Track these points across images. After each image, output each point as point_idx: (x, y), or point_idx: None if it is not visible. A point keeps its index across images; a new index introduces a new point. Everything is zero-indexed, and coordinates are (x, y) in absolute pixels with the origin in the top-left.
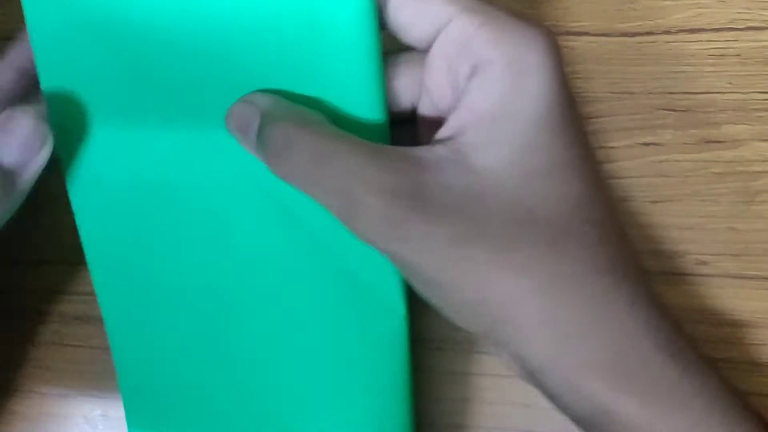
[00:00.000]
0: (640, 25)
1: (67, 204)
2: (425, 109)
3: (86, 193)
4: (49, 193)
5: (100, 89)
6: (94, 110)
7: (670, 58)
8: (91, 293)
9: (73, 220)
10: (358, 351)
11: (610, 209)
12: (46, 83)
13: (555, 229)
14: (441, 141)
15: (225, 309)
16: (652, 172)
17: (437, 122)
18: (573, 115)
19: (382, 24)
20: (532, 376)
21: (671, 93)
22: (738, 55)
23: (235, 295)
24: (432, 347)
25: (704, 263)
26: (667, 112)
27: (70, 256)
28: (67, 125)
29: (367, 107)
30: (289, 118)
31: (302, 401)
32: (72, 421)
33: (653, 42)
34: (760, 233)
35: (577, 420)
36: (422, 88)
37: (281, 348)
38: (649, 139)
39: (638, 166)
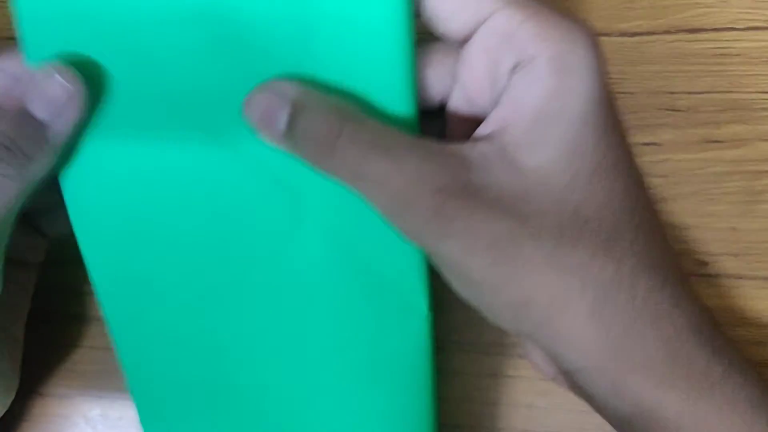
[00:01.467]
0: (640, 25)
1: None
2: (457, 103)
3: (82, 198)
4: None
5: (97, 89)
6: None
7: (672, 57)
8: (90, 293)
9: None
10: (378, 353)
11: (652, 210)
12: None
13: (604, 229)
14: (482, 138)
15: (239, 309)
16: (652, 172)
17: (469, 118)
18: (615, 116)
19: (416, 13)
20: (571, 378)
21: (672, 93)
22: (740, 54)
23: (249, 294)
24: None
25: (705, 263)
26: (668, 112)
27: (69, 256)
28: None
29: (396, 100)
30: (327, 110)
31: (320, 400)
32: (71, 421)
33: (653, 42)
34: (762, 233)
35: (616, 420)
36: (456, 82)
37: (298, 347)
38: (649, 139)
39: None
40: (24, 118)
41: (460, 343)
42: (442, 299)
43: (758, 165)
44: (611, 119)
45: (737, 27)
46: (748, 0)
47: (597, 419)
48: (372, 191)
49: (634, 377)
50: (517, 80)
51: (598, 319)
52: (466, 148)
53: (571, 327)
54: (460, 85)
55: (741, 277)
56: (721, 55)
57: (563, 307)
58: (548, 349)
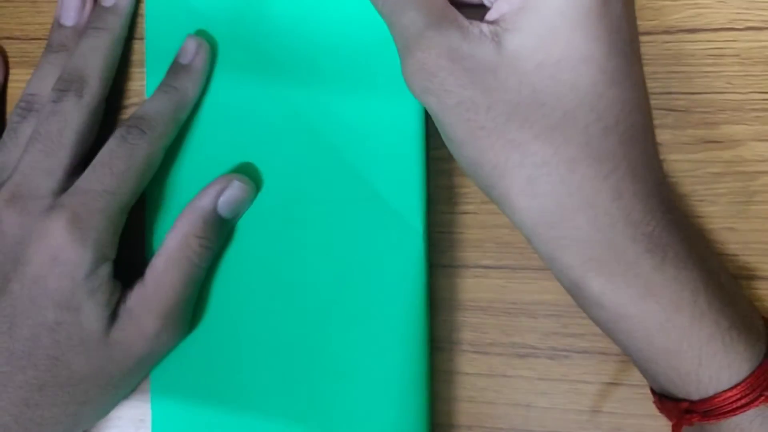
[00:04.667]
0: (639, 25)
1: None
2: None
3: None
4: None
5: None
6: None
7: (668, 58)
8: None
9: None
10: (374, 271)
11: (629, 110)
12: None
13: (555, 116)
14: (487, 21)
15: (254, 238)
16: None
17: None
18: (603, 14)
19: None
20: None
21: (670, 93)
22: (737, 55)
23: (259, 214)
24: (431, 347)
25: None
26: (666, 112)
27: None
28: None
29: None
30: None
31: (317, 317)
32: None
33: (652, 42)
34: (759, 233)
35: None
36: None
37: (300, 272)
38: None
39: None
40: None
41: (460, 343)
42: (442, 301)
43: (754, 165)
44: (594, 17)
45: (735, 27)
46: (746, 0)
47: (596, 418)
48: (398, 33)
49: (563, 251)
50: None
51: (532, 192)
52: (473, 25)
53: (510, 194)
54: None
55: (738, 278)
56: (718, 55)
57: (503, 175)
58: (502, 211)
